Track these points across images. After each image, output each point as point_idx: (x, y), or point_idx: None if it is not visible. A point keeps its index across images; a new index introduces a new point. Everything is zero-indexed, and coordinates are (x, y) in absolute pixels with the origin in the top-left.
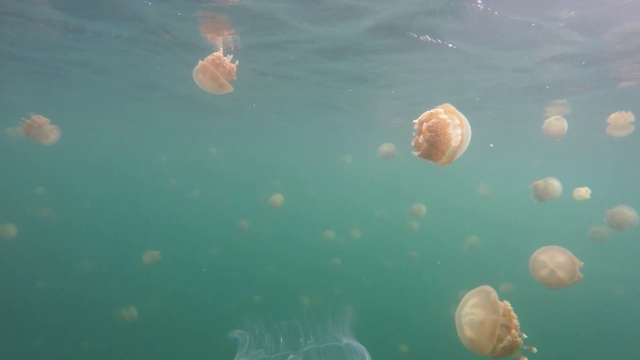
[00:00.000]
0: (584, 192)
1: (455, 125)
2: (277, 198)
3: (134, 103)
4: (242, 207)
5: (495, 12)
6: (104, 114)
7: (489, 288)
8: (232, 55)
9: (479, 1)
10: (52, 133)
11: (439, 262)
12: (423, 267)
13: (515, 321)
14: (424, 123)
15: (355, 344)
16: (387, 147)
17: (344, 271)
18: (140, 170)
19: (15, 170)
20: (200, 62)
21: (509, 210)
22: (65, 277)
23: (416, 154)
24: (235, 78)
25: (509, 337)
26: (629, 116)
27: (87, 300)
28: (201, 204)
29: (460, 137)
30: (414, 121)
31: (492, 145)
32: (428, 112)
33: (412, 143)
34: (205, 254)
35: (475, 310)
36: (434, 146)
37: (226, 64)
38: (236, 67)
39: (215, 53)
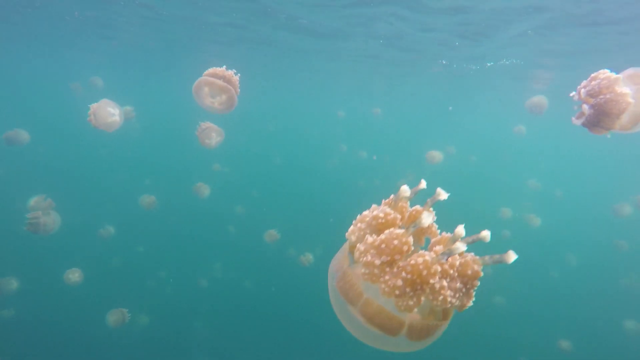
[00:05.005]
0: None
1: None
2: (436, 155)
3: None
4: (403, 165)
5: None
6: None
7: None
8: None
9: None
10: (215, 134)
11: None
12: None
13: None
14: (582, 89)
15: None
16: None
17: None
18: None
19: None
20: None
21: None
22: None
23: (577, 122)
24: None
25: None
26: None
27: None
28: (367, 165)
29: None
30: (570, 95)
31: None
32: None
33: (575, 118)
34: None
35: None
36: (601, 112)
37: None
38: None
39: None
